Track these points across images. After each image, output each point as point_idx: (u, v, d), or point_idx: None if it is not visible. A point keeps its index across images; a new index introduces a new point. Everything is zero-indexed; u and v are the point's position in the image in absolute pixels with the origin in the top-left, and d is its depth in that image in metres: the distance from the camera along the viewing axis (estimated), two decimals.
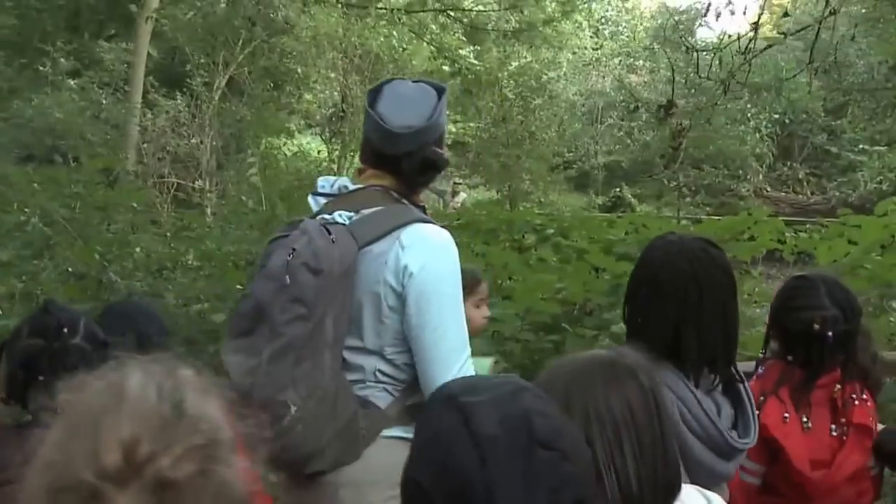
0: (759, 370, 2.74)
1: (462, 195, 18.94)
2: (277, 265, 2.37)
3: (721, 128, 24.03)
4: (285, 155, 20.44)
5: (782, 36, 7.67)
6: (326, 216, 2.51)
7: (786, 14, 9.57)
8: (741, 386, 2.38)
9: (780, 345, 2.72)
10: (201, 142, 16.60)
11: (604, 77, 28.95)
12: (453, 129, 25.20)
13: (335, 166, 19.79)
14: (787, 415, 2.59)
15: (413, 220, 2.51)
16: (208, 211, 14.38)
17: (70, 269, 6.43)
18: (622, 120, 27.36)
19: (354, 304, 2.45)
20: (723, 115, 23.01)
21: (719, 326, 2.27)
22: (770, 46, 9.15)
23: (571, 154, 27.18)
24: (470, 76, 21.91)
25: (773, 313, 2.73)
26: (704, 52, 8.21)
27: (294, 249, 2.36)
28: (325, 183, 2.69)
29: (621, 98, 26.88)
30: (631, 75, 28.27)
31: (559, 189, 25.53)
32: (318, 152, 21.43)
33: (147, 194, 12.06)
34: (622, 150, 27.52)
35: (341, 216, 2.50)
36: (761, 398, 2.60)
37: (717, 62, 7.23)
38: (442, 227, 2.59)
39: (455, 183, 19.44)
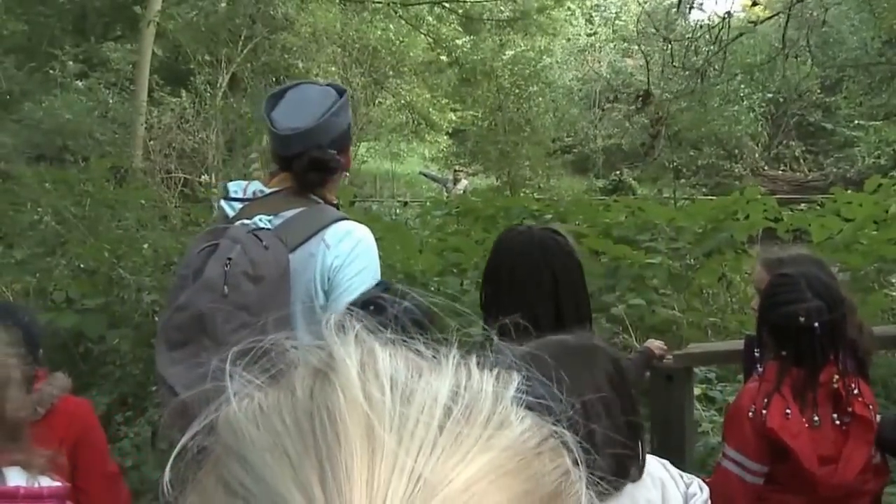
0: (759, 370, 2.76)
1: (464, 182, 18.80)
2: (214, 275, 2.34)
3: (714, 109, 24.00)
4: None
5: (752, 25, 7.68)
6: (247, 221, 2.50)
7: (754, 3, 9.49)
8: None
9: (773, 342, 2.76)
10: (206, 138, 16.54)
11: (599, 62, 28.87)
12: (453, 118, 25.54)
13: None
14: (788, 411, 2.60)
15: (334, 220, 2.56)
16: (215, 205, 14.31)
17: (81, 266, 6.46)
18: (620, 103, 27.19)
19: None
20: (717, 96, 22.96)
21: (572, 305, 2.47)
22: (740, 35, 9.14)
23: (570, 139, 27.14)
24: (466, 66, 21.88)
25: (761, 313, 2.80)
26: (684, 41, 8.18)
27: (230, 259, 2.34)
28: (237, 188, 2.66)
29: (619, 82, 26.85)
30: (627, 59, 28.12)
31: (558, 174, 25.57)
32: None
33: (154, 191, 12.09)
34: (621, 133, 27.40)
35: (262, 220, 2.50)
36: (765, 399, 2.62)
37: (693, 51, 7.21)
38: (363, 223, 2.65)
39: (456, 171, 19.42)
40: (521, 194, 16.93)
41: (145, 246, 7.06)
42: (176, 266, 6.77)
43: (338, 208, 2.68)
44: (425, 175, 22.24)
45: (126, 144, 15.95)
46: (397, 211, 18.25)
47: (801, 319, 2.61)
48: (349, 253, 2.50)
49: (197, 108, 16.81)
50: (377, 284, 2.33)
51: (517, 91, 23.52)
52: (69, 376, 2.89)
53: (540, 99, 24.17)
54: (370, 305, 1.81)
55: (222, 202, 2.65)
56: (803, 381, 2.64)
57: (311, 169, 2.56)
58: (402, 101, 23.92)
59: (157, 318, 6.06)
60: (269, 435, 0.53)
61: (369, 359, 0.56)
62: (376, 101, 22.40)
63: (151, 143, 15.92)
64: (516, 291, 2.47)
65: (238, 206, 2.61)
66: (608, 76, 28.03)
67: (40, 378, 2.73)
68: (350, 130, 2.75)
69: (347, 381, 0.54)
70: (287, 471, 0.50)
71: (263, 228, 2.47)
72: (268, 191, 2.62)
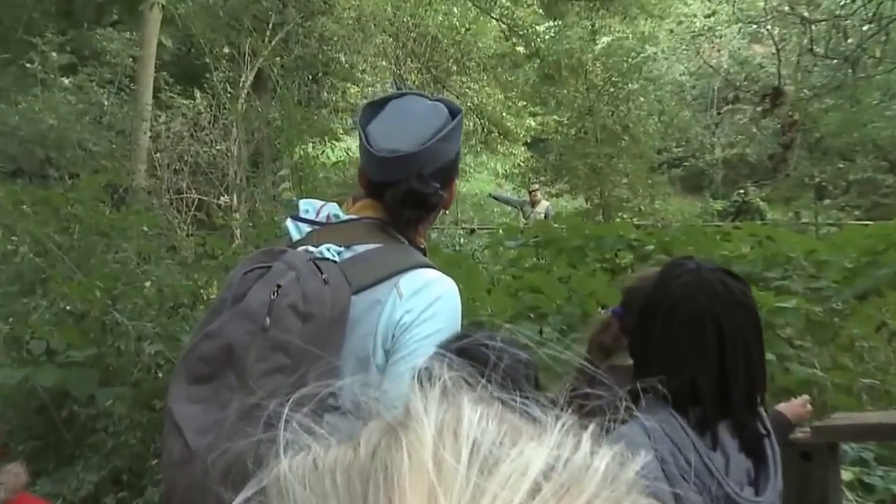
0: None
1: (545, 205, 18.89)
2: (257, 303, 2.35)
3: (871, 107, 23.45)
4: (325, 164, 20.55)
5: None
6: (312, 248, 2.53)
7: None
8: (766, 440, 2.48)
9: None
10: (227, 150, 16.81)
11: (719, 51, 28.64)
12: (532, 125, 25.81)
13: None
14: None
15: (415, 265, 2.54)
16: (237, 233, 14.53)
17: (67, 308, 6.42)
18: (745, 103, 27.01)
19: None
20: (874, 91, 22.59)
21: (741, 372, 2.42)
22: None
23: (681, 149, 27.07)
24: (549, 58, 21.87)
25: None
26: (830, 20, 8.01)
27: (279, 286, 2.36)
28: (308, 207, 2.70)
29: (743, 76, 26.64)
30: (755, 46, 27.90)
31: (664, 193, 25.23)
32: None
33: (160, 215, 12.14)
34: (746, 140, 27.02)
35: (330, 251, 2.52)
36: None
37: (841, 33, 7.04)
38: (448, 275, 2.60)
39: (534, 190, 19.49)
40: (617, 220, 17.20)
41: (147, 284, 7.03)
42: (186, 308, 6.98)
43: (424, 254, 2.67)
44: (496, 198, 22.39)
45: (126, 157, 16.02)
46: (461, 240, 18.83)
47: None
48: (425, 309, 2.48)
49: (214, 113, 16.96)
50: (471, 324, 2.32)
51: (612, 90, 23.38)
52: (27, 464, 2.89)
53: (641, 99, 24.05)
54: (465, 350, 1.79)
55: (289, 221, 2.68)
56: None
57: (408, 204, 2.57)
58: (469, 104, 23.85)
59: (160, 375, 6.10)
60: (314, 497, 0.55)
61: (452, 417, 0.57)
62: None
63: (157, 155, 15.99)
64: (670, 344, 2.45)
65: (307, 228, 2.65)
66: (730, 68, 27.74)
67: None
68: (459, 160, 2.76)
69: (417, 442, 0.55)
70: None
71: (328, 259, 2.49)
72: (344, 217, 2.65)
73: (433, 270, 2.58)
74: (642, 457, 0.59)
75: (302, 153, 19.47)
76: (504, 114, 24.78)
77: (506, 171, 27.26)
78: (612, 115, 23.34)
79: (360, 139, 2.60)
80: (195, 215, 15.19)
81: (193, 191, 15.82)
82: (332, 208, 2.68)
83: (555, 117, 25.25)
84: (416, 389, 0.60)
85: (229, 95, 17.49)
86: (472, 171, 26.44)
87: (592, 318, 4.22)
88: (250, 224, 12.10)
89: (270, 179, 17.63)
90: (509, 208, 22.39)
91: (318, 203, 2.71)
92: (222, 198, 16.24)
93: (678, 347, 2.41)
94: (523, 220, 17.90)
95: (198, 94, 17.72)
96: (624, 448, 0.58)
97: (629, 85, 23.67)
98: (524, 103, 25.68)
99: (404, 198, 2.54)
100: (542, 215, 17.41)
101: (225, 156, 16.82)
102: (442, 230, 20.29)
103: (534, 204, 18.56)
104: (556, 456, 0.55)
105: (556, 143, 25.01)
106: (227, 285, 2.51)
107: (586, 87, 23.09)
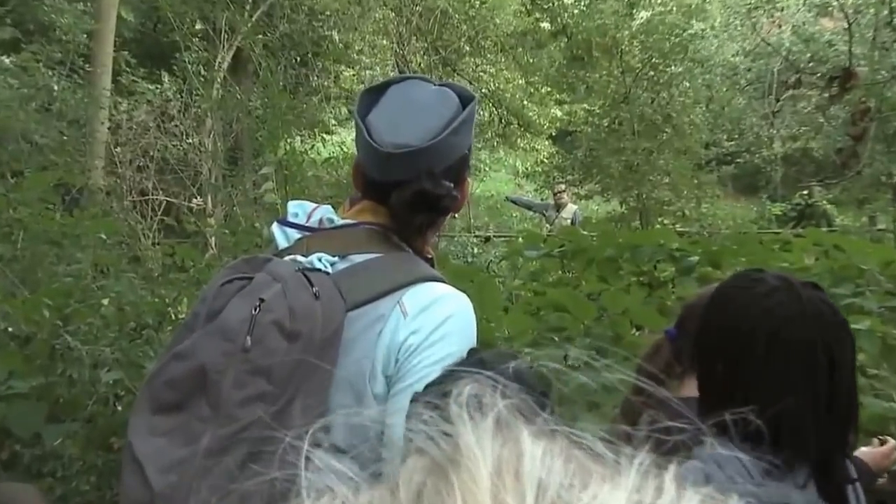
0: None
1: (572, 208, 18.88)
2: (236, 320, 2.34)
3: None
4: (315, 161, 20.53)
5: None
6: (301, 258, 2.53)
7: None
8: (850, 487, 2.50)
9: None
10: (200, 143, 16.89)
11: (780, 26, 28.48)
12: (558, 115, 25.83)
13: None
14: None
15: (422, 278, 2.54)
16: (212, 242, 14.55)
17: (9, 330, 6.36)
18: (810, 88, 26.74)
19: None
20: None
21: (844, 399, 2.43)
22: None
23: (733, 143, 27.05)
24: (579, 37, 22.11)
25: None
26: None
27: (262, 301, 2.35)
28: (298, 210, 2.71)
29: (808, 56, 26.46)
30: (823, 20, 27.78)
31: (712, 195, 25.01)
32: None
33: (121, 221, 12.19)
34: (811, 132, 26.99)
35: (322, 260, 2.52)
36: None
37: None
38: (460, 289, 2.59)
39: (558, 192, 19.48)
40: (657, 226, 17.30)
41: (105, 302, 6.95)
42: (151, 329, 6.86)
43: (433, 265, 2.68)
44: (515, 202, 22.47)
45: (80, 152, 15.94)
46: (474, 250, 18.93)
47: None
48: (434, 329, 2.46)
49: (185, 101, 17.02)
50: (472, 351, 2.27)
51: (653, 73, 23.32)
52: None
53: (687, 84, 23.87)
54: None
55: (275, 226, 2.69)
56: None
57: (418, 207, 2.56)
58: (484, 90, 23.56)
59: (119, 408, 6.03)
60: None
61: (511, 454, 0.56)
62: None
63: (118, 150, 15.97)
64: (772, 374, 2.42)
65: (296, 235, 2.65)
66: (792, 47, 27.43)
67: None
68: (471, 156, 2.77)
69: (473, 484, 0.54)
70: None
71: (319, 271, 2.49)
72: (339, 221, 2.66)
73: (443, 285, 2.57)
74: (736, 501, 0.59)
75: (288, 148, 19.33)
76: (525, 102, 24.68)
77: (527, 168, 27.00)
78: (652, 102, 23.20)
79: (358, 132, 2.60)
80: (162, 220, 15.20)
81: (160, 192, 15.91)
82: (325, 211, 2.68)
83: (584, 106, 25.06)
84: (465, 420, 0.59)
85: (202, 80, 17.54)
86: (487, 169, 26.32)
87: (629, 342, 4.10)
88: (227, 231, 12.30)
89: (251, 179, 17.46)
90: (531, 213, 22.38)
91: (310, 205, 2.71)
92: (194, 200, 16.32)
93: (782, 378, 2.40)
94: (547, 226, 17.90)
95: (165, 77, 17.90)
96: (713, 491, 0.58)
97: (672, 67, 23.51)
98: (549, 89, 25.49)
99: (413, 200, 2.53)
100: (569, 221, 17.45)
101: (198, 151, 16.96)
102: (452, 238, 20.23)
103: (559, 207, 18.61)
104: (636, 501, 0.54)
105: (586, 137, 24.71)
106: (202, 299, 2.49)
107: (622, 70, 22.93)
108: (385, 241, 2.60)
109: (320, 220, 2.65)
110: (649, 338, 4.17)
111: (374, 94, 2.66)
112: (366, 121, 2.58)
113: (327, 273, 2.48)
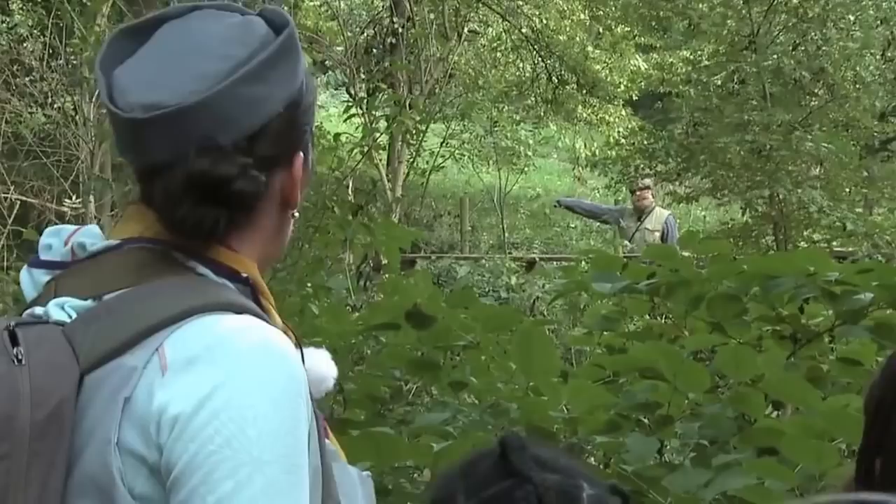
0: None
1: (662, 215, 16.81)
2: None
3: None
4: None
5: None
6: (38, 310, 2.10)
7: None
8: None
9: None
10: (75, 110, 14.97)
11: None
12: (641, 68, 23.82)
13: (384, 159, 19.19)
14: None
15: (198, 309, 1.97)
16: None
17: None
18: None
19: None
20: None
21: None
22: None
23: None
24: None
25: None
26: None
27: None
28: (52, 240, 2.24)
29: None
30: None
31: (891, 196, 21.20)
32: (344, 121, 18.63)
33: None
34: None
35: (67, 307, 2.06)
36: None
37: None
38: (281, 329, 2.06)
39: (640, 190, 17.16)
40: (802, 244, 16.64)
41: None
42: None
43: (255, 289, 2.06)
44: (570, 208, 20.31)
45: None
46: (512, 280, 16.70)
47: None
48: (210, 392, 1.85)
49: (49, 41, 15.25)
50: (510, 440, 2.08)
51: (796, 18, 19.19)
52: None
53: (851, 19, 19.56)
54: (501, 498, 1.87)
55: (23, 272, 2.27)
56: None
57: (193, 197, 1.96)
58: (523, 34, 21.94)
59: None
60: None
61: None
62: (463, 36, 20.95)
63: None
64: None
65: (45, 278, 2.17)
66: None
67: None
68: (305, 115, 2.16)
69: None
70: None
71: (47, 322, 2.02)
72: (97, 246, 2.12)
73: (236, 318, 1.96)
74: None
75: None
76: (590, 49, 21.72)
77: (592, 153, 23.81)
78: (795, 49, 18.84)
79: (102, 95, 2.17)
80: (18, 232, 13.31)
81: (12, 187, 14.77)
82: (88, 234, 2.18)
83: (685, 54, 21.64)
84: None
85: (79, 9, 14.66)
86: (529, 154, 22.68)
87: (762, 428, 4.34)
88: None
89: None
90: (597, 223, 20.34)
91: (69, 229, 2.25)
92: (67, 201, 14.45)
93: None
94: (625, 242, 16.15)
95: (17, 3, 16.16)
96: None
97: (828, 16, 19.34)
98: (627, 29, 22.15)
99: (184, 190, 1.98)
100: (658, 235, 16.24)
101: (73, 123, 15.01)
102: (471, 261, 18.01)
103: (642, 214, 16.71)
104: None
105: (688, 103, 20.47)
106: None
107: (742, 10, 19.05)
108: (161, 264, 2.06)
109: (74, 248, 2.18)
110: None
111: (137, 35, 2.14)
112: (112, 76, 2.06)
113: (60, 325, 2.02)
